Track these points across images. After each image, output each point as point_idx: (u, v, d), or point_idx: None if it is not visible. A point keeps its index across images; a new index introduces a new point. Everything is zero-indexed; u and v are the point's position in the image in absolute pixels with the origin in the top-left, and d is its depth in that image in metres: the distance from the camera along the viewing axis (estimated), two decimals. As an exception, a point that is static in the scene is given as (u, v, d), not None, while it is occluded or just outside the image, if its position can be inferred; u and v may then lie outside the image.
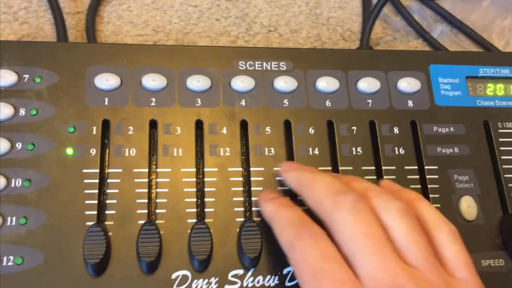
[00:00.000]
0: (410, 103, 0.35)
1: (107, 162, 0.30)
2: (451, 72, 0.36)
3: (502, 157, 0.34)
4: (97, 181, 0.29)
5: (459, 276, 0.25)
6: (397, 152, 0.33)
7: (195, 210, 0.30)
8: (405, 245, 0.25)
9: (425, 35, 0.46)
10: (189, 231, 0.29)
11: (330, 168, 0.32)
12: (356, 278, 0.23)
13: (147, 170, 0.30)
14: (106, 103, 0.32)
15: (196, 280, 0.28)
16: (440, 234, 0.26)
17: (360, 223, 0.25)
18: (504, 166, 0.34)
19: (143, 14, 0.44)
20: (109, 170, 0.30)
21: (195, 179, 0.30)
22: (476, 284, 0.25)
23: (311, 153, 0.32)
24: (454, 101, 0.35)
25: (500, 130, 0.35)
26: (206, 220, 0.29)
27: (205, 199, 0.30)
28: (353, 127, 0.33)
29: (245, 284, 0.28)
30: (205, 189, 0.30)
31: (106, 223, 0.29)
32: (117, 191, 0.29)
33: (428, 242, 0.25)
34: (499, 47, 0.46)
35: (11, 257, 0.27)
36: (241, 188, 0.31)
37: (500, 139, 0.34)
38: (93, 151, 0.30)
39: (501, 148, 0.34)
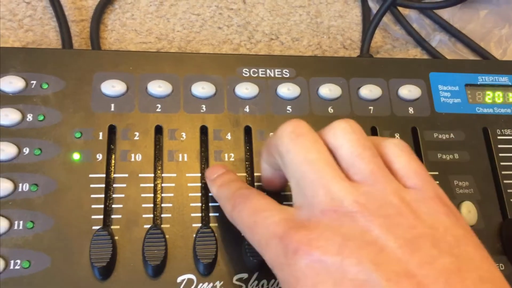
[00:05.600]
0: (411, 110, 0.35)
1: (113, 167, 0.31)
2: (450, 80, 0.37)
3: (501, 163, 0.34)
4: (103, 186, 0.30)
5: (410, 184, 0.24)
6: (398, 158, 0.33)
7: (200, 214, 0.30)
8: (350, 161, 0.24)
9: (424, 44, 0.46)
10: (194, 235, 0.29)
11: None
12: (296, 212, 0.23)
13: (152, 175, 0.31)
14: (112, 109, 0.32)
15: (201, 284, 0.28)
16: (386, 148, 0.25)
17: (298, 151, 0.24)
18: (503, 172, 0.34)
19: (146, 22, 0.45)
20: (115, 175, 0.30)
21: (200, 184, 0.31)
22: (426, 190, 0.24)
23: (314, 158, 0.33)
24: (454, 108, 0.36)
25: (499, 137, 0.35)
26: (211, 225, 0.30)
27: (210, 204, 0.30)
28: (355, 133, 0.34)
29: (249, 288, 0.29)
30: (210, 194, 0.31)
31: (112, 227, 0.29)
32: (123, 195, 0.30)
33: (375, 154, 0.24)
34: (497, 56, 0.47)
35: (18, 261, 0.27)
36: (245, 193, 0.31)
37: (499, 146, 0.35)
38: (99, 156, 0.30)
39: (500, 155, 0.35)
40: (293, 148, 0.25)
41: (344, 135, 0.25)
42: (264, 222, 0.24)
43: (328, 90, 0.35)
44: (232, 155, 0.32)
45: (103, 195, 0.29)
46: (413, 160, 0.25)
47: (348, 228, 0.21)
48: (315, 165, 0.24)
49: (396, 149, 0.25)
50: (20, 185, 0.29)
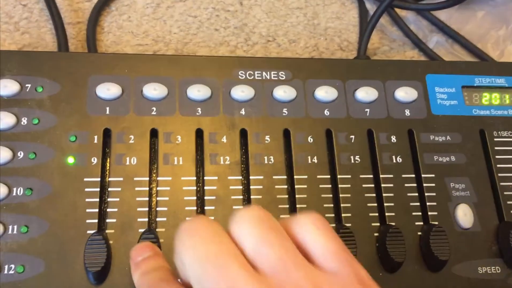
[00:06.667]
0: (407, 112, 0.35)
1: (108, 171, 0.31)
2: (447, 81, 0.37)
3: (498, 165, 0.34)
4: (98, 189, 0.30)
5: (328, 267, 0.22)
6: (394, 161, 0.33)
7: (195, 218, 0.30)
8: (256, 249, 0.21)
9: (421, 45, 0.46)
10: (189, 239, 0.29)
11: (329, 176, 0.32)
12: None
13: (147, 178, 0.30)
14: (107, 112, 0.32)
15: None
16: (298, 228, 0.23)
17: (198, 246, 0.22)
18: (499, 174, 0.34)
19: (143, 24, 0.45)
20: (110, 179, 0.30)
21: (195, 188, 0.31)
22: (344, 274, 0.22)
23: (310, 161, 0.32)
24: (450, 110, 0.36)
25: (495, 139, 0.35)
26: (206, 228, 0.30)
27: (205, 208, 0.30)
28: (351, 136, 0.34)
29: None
30: (205, 198, 0.30)
31: (107, 231, 0.29)
32: (118, 199, 0.30)
33: (284, 237, 0.22)
34: (494, 57, 0.47)
35: (12, 266, 0.27)
36: (241, 197, 0.31)
37: (496, 148, 0.35)
38: (94, 160, 0.30)
39: (497, 157, 0.35)
40: (192, 243, 0.22)
41: (247, 222, 0.22)
42: None
43: (324, 93, 0.34)
44: (228, 158, 0.32)
45: (98, 199, 0.29)
46: (331, 239, 0.23)
47: None
48: (217, 259, 0.21)
49: (311, 228, 0.23)
50: (15, 189, 0.29)
